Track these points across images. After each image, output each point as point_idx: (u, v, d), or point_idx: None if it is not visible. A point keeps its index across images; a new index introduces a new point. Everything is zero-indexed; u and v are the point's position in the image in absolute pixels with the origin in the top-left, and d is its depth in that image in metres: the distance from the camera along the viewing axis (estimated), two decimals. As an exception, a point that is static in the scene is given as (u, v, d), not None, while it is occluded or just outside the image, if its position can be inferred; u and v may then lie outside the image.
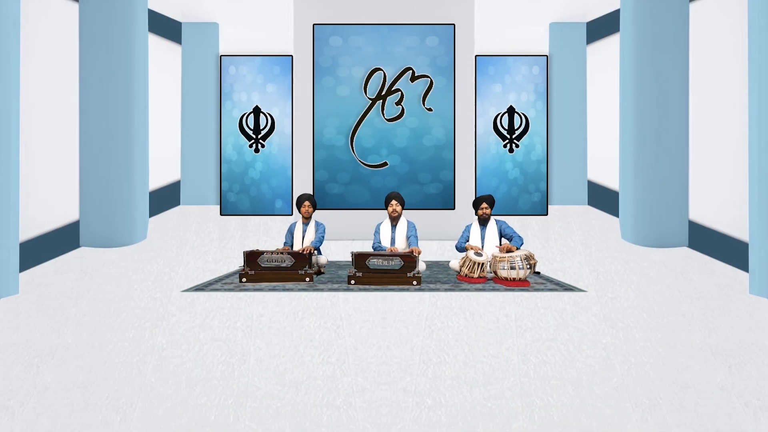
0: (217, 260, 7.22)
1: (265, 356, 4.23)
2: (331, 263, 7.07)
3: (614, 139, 9.86)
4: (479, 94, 10.91)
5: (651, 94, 7.87)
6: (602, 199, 11.19)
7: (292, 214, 10.57)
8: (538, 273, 6.58)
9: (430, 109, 8.50)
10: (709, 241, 7.52)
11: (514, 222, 9.51)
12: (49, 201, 7.37)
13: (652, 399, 3.58)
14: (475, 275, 6.25)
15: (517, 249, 6.41)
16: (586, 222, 10.11)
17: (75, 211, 7.90)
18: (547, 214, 10.78)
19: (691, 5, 7.92)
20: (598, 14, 11.15)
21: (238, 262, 7.03)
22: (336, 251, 7.71)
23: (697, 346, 4.42)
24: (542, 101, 11.04)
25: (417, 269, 6.16)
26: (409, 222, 6.80)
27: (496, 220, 6.75)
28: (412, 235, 6.69)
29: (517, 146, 10.94)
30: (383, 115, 8.52)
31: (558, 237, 8.80)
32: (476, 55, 10.71)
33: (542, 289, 5.95)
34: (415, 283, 6.09)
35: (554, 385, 3.76)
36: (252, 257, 6.25)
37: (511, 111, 10.98)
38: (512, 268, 6.12)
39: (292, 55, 10.55)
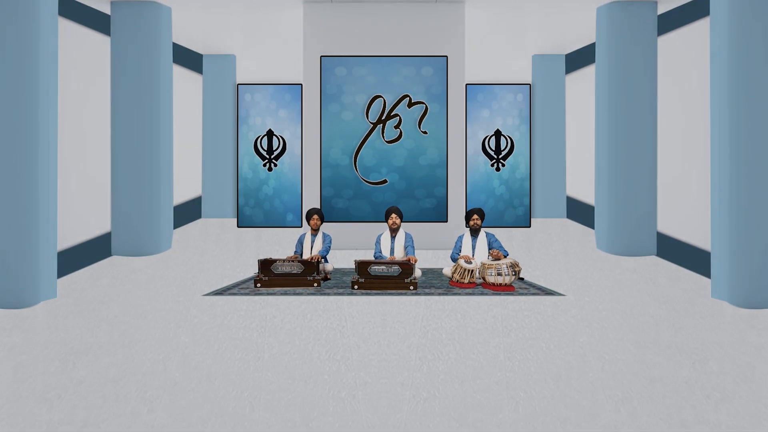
0: (235, 267, 7.23)
1: (278, 353, 4.24)
2: (336, 270, 7.09)
3: (590, 159, 9.91)
4: (469, 118, 10.98)
5: (623, 119, 7.92)
6: (579, 212, 11.22)
7: (301, 226, 10.59)
8: (522, 279, 6.60)
9: (425, 132, 8.55)
10: (675, 251, 7.55)
11: (501, 233, 9.54)
12: (83, 214, 7.41)
13: (624, 392, 3.60)
14: (466, 281, 6.27)
15: (505, 257, 6.44)
16: (565, 233, 10.13)
17: (107, 224, 7.93)
18: (530, 226, 10.80)
19: (659, 39, 8.00)
20: (575, 47, 11.23)
21: (253, 269, 7.05)
22: (341, 259, 7.72)
23: (665, 344, 4.44)
24: (525, 125, 11.10)
25: (413, 275, 6.18)
26: (406, 233, 6.82)
27: (486, 233, 6.77)
28: (409, 245, 6.71)
29: (503, 165, 10.99)
30: (383, 137, 8.57)
31: (540, 247, 8.82)
32: (466, 84, 10.78)
33: (526, 294, 5.97)
34: (411, 288, 6.11)
35: (536, 379, 3.78)
36: (266, 265, 6.27)
37: (497, 134, 11.04)
38: (499, 274, 6.15)
39: (301, 84, 10.64)
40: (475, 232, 6.74)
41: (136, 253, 7.85)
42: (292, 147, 10.93)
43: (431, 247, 8.40)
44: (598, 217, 8.32)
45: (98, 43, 7.80)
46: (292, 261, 6.31)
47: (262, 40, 10.20)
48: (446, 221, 8.56)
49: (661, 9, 7.96)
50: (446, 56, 8.50)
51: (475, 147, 11.01)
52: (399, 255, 6.67)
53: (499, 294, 5.96)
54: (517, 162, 11.01)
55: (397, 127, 8.56)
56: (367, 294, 5.97)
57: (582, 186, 11.03)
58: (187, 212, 11.15)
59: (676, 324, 4.94)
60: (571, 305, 5.54)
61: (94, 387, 3.64)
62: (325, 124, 8.54)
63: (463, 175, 8.63)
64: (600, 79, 8.22)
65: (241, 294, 5.95)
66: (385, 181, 8.59)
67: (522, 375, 3.85)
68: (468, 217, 6.78)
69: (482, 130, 11.06)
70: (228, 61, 11.77)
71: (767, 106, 5.40)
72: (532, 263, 7.47)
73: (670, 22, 7.84)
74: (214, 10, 8.41)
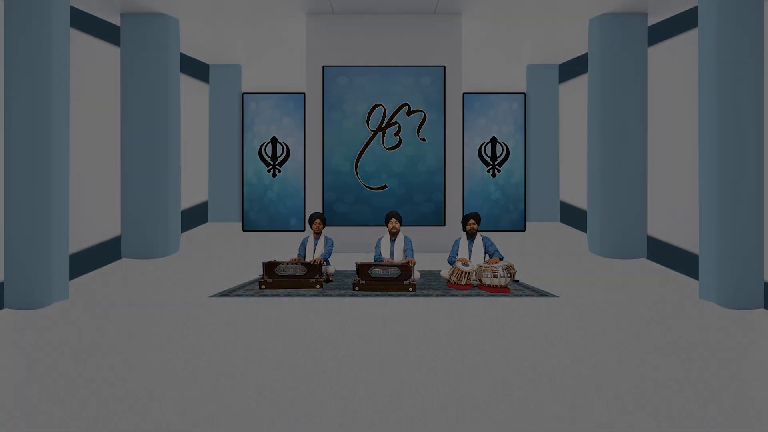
0: (240, 270, 7.23)
1: (281, 353, 4.25)
2: (338, 272, 7.10)
3: (583, 165, 9.93)
4: (466, 126, 11.00)
5: (614, 126, 7.94)
6: (572, 217, 11.24)
7: (304, 230, 10.61)
8: (517, 281, 6.61)
9: (423, 140, 8.58)
10: (664, 253, 7.56)
11: (496, 237, 9.55)
12: (94, 219, 7.42)
13: (616, 389, 3.60)
14: (463, 283, 6.27)
15: (500, 260, 6.45)
16: (558, 237, 10.14)
17: (117, 228, 7.95)
18: (524, 230, 10.82)
19: (649, 49, 8.03)
20: (569, 57, 11.26)
21: (257, 272, 7.06)
22: (342, 262, 7.72)
23: (654, 343, 4.45)
24: (520, 132, 11.13)
25: (412, 277, 6.19)
26: (405, 237, 6.83)
27: (482, 236, 6.77)
28: (408, 248, 6.71)
29: (498, 171, 11.01)
30: (383, 144, 8.59)
31: (534, 250, 8.83)
32: (464, 93, 10.82)
33: (520, 295, 5.98)
34: (411, 289, 6.12)
35: (531, 378, 3.78)
36: (270, 267, 6.28)
37: (493, 141, 11.07)
38: (495, 276, 6.16)
39: (304, 93, 10.67)
40: (471, 236, 6.75)
41: (145, 255, 7.87)
42: (296, 154, 10.96)
43: (429, 250, 8.41)
44: (591, 221, 8.34)
45: (108, 53, 7.83)
46: (296, 263, 6.32)
47: (267, 50, 10.24)
48: (444, 225, 8.57)
49: (652, 20, 7.99)
50: (444, 66, 8.53)
51: (472, 154, 11.03)
52: (398, 258, 6.67)
53: (495, 295, 5.97)
54: (512, 168, 11.03)
55: (396, 134, 8.58)
56: (367, 295, 5.98)
57: (575, 191, 11.05)
58: (194, 216, 11.17)
59: (665, 324, 4.94)
60: (565, 306, 5.55)
61: (105, 385, 3.65)
62: (327, 131, 8.56)
63: (460, 180, 8.65)
64: (592, 88, 8.24)
65: (246, 295, 5.96)
66: (385, 187, 8.60)
67: (517, 373, 3.86)
68: (465, 221, 6.79)
69: (479, 138, 11.09)
70: (234, 70, 11.80)
71: (753, 114, 5.43)
72: (527, 266, 7.48)
73: (660, 33, 7.88)
74: (220, 22, 8.45)
